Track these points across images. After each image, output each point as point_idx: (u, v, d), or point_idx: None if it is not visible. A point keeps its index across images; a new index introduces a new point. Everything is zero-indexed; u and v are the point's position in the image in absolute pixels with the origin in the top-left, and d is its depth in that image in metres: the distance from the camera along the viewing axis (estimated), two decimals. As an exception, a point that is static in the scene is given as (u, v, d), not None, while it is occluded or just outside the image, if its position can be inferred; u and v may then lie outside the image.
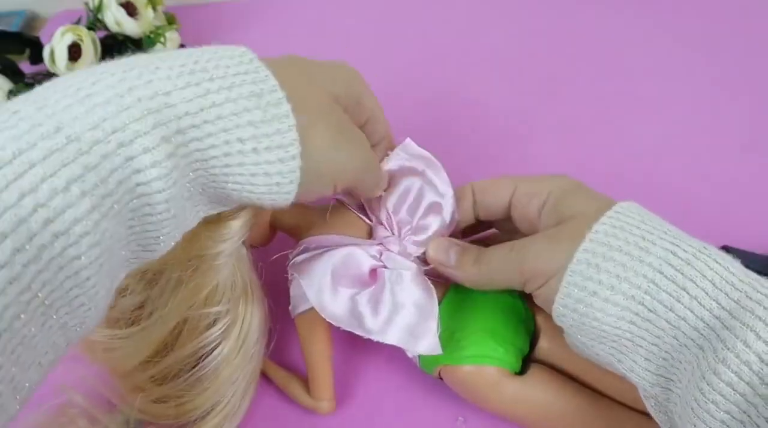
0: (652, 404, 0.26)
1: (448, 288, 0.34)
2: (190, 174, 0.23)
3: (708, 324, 0.22)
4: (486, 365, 0.31)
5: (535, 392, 0.31)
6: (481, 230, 0.36)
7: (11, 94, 0.51)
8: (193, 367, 0.32)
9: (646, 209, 0.27)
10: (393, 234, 0.33)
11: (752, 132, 0.47)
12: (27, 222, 0.18)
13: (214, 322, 0.31)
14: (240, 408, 0.33)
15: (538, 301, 0.28)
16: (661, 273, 0.23)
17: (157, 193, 0.21)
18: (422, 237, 0.33)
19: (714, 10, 0.58)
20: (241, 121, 0.23)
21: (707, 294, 0.23)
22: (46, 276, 0.19)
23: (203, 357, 0.32)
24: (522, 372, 0.32)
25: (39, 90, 0.21)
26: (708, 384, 0.21)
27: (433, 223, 0.33)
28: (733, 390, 0.21)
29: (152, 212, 0.22)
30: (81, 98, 0.20)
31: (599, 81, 0.53)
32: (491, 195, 0.32)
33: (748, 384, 0.20)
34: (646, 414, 0.31)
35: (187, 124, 0.22)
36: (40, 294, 0.19)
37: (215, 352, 0.31)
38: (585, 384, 0.32)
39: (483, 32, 0.60)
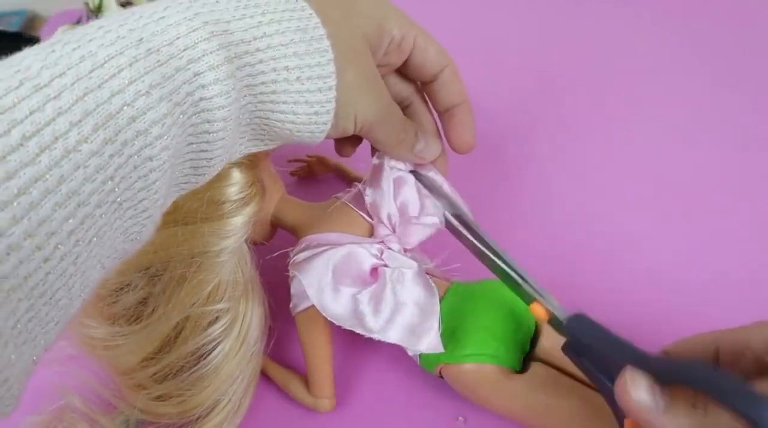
0: None
1: (450, 287, 0.34)
2: (241, 99, 0.25)
3: None
4: (487, 364, 0.31)
5: (535, 391, 0.31)
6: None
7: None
8: (194, 365, 0.32)
9: None
10: (394, 232, 0.33)
11: (752, 131, 0.47)
12: (115, 118, 0.20)
13: (216, 320, 0.32)
14: (241, 406, 0.33)
15: None
16: None
17: (217, 110, 0.23)
18: (417, 234, 0.33)
19: (714, 8, 0.58)
20: (288, 51, 0.25)
21: None
22: (124, 172, 0.20)
23: (204, 355, 0.32)
24: (522, 371, 0.32)
25: (119, 14, 0.23)
26: None
27: (428, 219, 0.33)
28: None
29: (210, 130, 0.24)
30: (156, 20, 0.22)
31: (598, 80, 0.53)
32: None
33: None
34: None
35: (241, 51, 0.24)
36: (117, 189, 0.20)
37: (216, 350, 0.32)
38: (585, 382, 0.32)
39: (481, 32, 0.60)
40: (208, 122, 0.23)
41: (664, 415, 0.22)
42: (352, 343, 0.37)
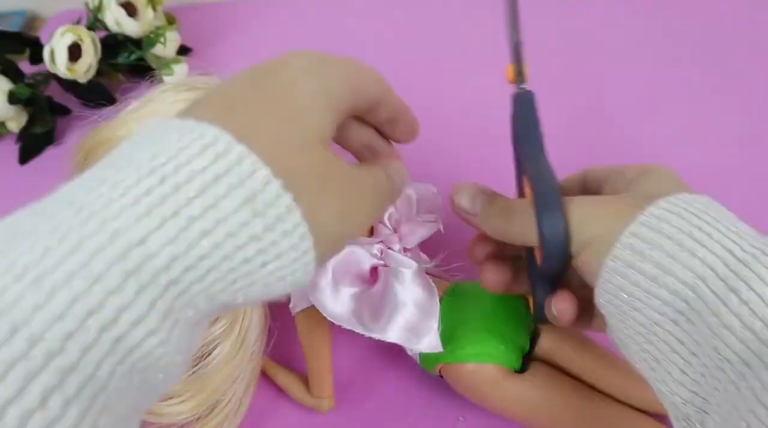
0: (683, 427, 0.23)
1: (449, 287, 0.34)
2: (191, 312, 0.19)
3: (759, 337, 0.19)
4: (486, 363, 0.31)
5: (535, 390, 0.31)
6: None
7: (11, 94, 0.51)
8: (195, 365, 0.32)
9: (718, 203, 0.24)
10: (394, 232, 0.33)
11: (752, 129, 0.47)
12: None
13: (216, 320, 0.32)
14: (241, 406, 0.33)
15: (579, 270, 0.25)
16: (713, 270, 0.21)
17: (160, 359, 0.18)
18: (417, 233, 0.33)
19: (715, 8, 0.58)
20: (240, 241, 0.18)
21: (762, 300, 0.19)
22: None
23: (204, 355, 0.32)
24: (522, 370, 0.32)
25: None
26: (765, 408, 0.18)
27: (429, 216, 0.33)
28: None
29: (161, 371, 0.19)
30: (32, 281, 0.15)
31: (600, 80, 0.53)
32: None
33: None
34: (645, 413, 0.31)
35: (179, 271, 0.18)
36: None
37: (216, 351, 0.32)
38: (585, 382, 0.32)
39: (483, 32, 0.60)
40: (156, 367, 0.18)
41: (479, 219, 0.28)
42: (352, 342, 0.37)
